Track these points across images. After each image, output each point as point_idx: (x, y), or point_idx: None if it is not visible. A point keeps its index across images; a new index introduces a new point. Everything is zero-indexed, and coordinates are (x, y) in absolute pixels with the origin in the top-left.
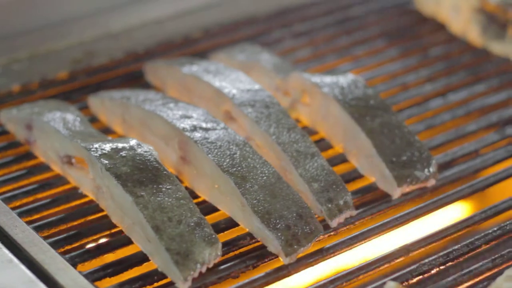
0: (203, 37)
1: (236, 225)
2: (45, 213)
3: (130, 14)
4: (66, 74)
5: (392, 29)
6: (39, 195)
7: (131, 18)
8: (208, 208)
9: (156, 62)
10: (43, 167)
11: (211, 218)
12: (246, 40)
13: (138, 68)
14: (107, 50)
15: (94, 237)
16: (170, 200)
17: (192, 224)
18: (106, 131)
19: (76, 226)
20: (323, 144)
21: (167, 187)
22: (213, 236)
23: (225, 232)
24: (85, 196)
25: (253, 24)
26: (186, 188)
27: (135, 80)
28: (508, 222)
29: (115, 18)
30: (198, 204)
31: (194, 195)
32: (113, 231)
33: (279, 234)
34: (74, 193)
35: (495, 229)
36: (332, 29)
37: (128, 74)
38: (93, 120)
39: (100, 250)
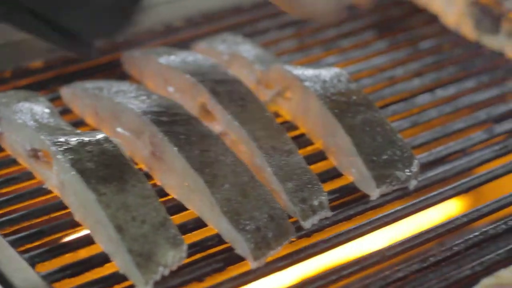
0: (185, 26)
1: (205, 225)
2: (8, 209)
3: None
4: (41, 63)
5: (382, 21)
6: (3, 190)
7: None
8: (177, 207)
9: (133, 51)
10: (10, 161)
11: (180, 217)
12: (230, 30)
13: (116, 58)
14: None
15: (57, 236)
16: (134, 198)
17: (157, 224)
18: (79, 124)
19: (39, 224)
20: (303, 140)
21: (133, 184)
22: (178, 237)
23: (194, 232)
24: (51, 192)
25: (238, 13)
26: (157, 185)
27: (113, 70)
28: (490, 227)
29: None
30: (167, 202)
31: (164, 193)
32: (76, 229)
33: (248, 236)
34: (40, 188)
35: (477, 233)
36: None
37: (106, 64)
38: (66, 111)
39: (62, 249)
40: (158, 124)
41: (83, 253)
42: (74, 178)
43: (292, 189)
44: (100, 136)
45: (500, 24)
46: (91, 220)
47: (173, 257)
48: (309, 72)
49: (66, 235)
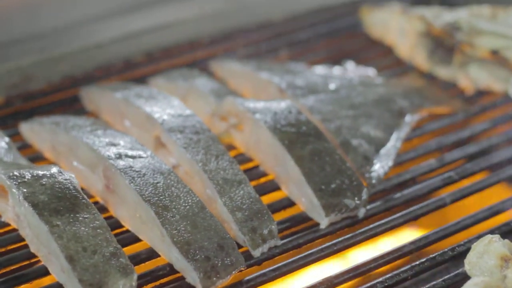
0: (144, 61)
1: (158, 255)
2: None
3: (70, 37)
4: (2, 99)
5: (339, 53)
6: None
7: (71, 41)
8: (131, 238)
9: (91, 87)
10: None
11: (133, 248)
12: (189, 64)
13: (75, 93)
14: (45, 74)
15: (12, 267)
16: (86, 229)
17: (108, 254)
18: (37, 158)
19: None
20: (256, 172)
21: (84, 216)
22: (129, 266)
23: (146, 262)
24: (8, 224)
25: (197, 48)
26: (111, 217)
27: (72, 105)
28: (437, 254)
29: (54, 42)
30: (121, 233)
31: (119, 225)
32: (32, 260)
33: (197, 265)
34: None
35: (423, 260)
36: (276, 54)
37: (65, 99)
38: (25, 147)
39: (16, 280)
40: (110, 157)
41: (38, 284)
42: (28, 211)
43: (242, 219)
44: (53, 169)
45: (452, 55)
46: (45, 251)
47: (123, 286)
48: (260, 104)
49: (22, 266)
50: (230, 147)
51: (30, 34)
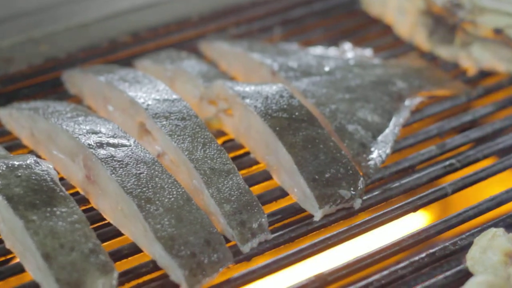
0: (131, 42)
1: (141, 251)
2: None
3: (53, 16)
4: None
5: (336, 32)
6: None
7: (53, 21)
8: (112, 232)
9: (73, 70)
10: None
11: (115, 243)
12: (177, 44)
13: (58, 76)
14: (25, 56)
15: None
16: (63, 224)
17: (86, 251)
18: (16, 146)
19: None
20: (247, 159)
21: (62, 210)
22: (109, 264)
23: (128, 258)
24: None
25: (186, 27)
26: (93, 209)
27: (54, 89)
28: (437, 248)
29: (36, 21)
30: (103, 227)
31: (101, 217)
32: (8, 257)
33: (182, 262)
34: None
35: (423, 256)
36: (270, 33)
37: (47, 83)
38: (3, 133)
39: None
40: (91, 146)
41: (14, 282)
42: (2, 204)
43: (230, 212)
44: (30, 160)
45: (454, 34)
46: (20, 248)
47: (103, 285)
48: (250, 88)
49: None
50: (220, 132)
51: (9, 13)
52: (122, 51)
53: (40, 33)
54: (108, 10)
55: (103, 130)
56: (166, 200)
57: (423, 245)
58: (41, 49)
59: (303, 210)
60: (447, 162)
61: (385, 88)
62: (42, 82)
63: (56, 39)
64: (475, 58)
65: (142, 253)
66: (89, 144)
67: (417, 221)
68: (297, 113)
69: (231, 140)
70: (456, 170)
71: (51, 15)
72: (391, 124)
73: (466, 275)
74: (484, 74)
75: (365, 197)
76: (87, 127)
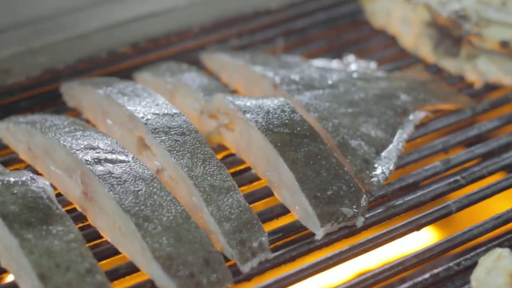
0: (130, 53)
1: (138, 270)
2: None
3: (51, 27)
4: None
5: (339, 43)
6: None
7: (52, 31)
8: (110, 250)
9: (72, 82)
10: None
11: (113, 261)
12: (178, 55)
13: (56, 88)
14: (23, 67)
15: None
16: (59, 243)
17: (82, 271)
18: (12, 160)
19: None
20: (247, 175)
21: (58, 228)
22: (105, 284)
23: (126, 278)
24: None
25: (187, 38)
26: (90, 227)
27: (52, 101)
28: (441, 269)
29: (34, 32)
30: (100, 245)
31: (97, 235)
32: (2, 276)
33: (180, 283)
34: None
35: (426, 277)
36: (272, 44)
37: (45, 95)
38: (0, 147)
39: None
40: (89, 162)
41: None
42: None
43: (230, 231)
44: (25, 176)
45: (459, 46)
46: (15, 266)
47: None
48: (251, 102)
49: None
50: (221, 147)
51: (7, 23)
52: (122, 62)
53: (38, 44)
54: (107, 20)
55: (101, 145)
56: (164, 218)
57: (426, 264)
58: (39, 60)
59: (305, 228)
60: (452, 179)
61: (389, 102)
62: (40, 94)
63: (54, 50)
64: (481, 71)
65: (140, 272)
66: (86, 160)
67: (421, 237)
68: (299, 128)
69: (232, 154)
70: (461, 187)
71: (50, 25)
72: (395, 139)
73: None
74: (490, 87)
75: (367, 215)
76: (85, 142)
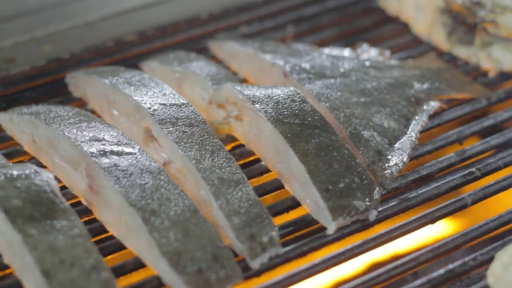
0: (137, 41)
1: (145, 266)
2: None
3: (56, 16)
4: None
5: (350, 31)
6: None
7: (57, 20)
8: (116, 245)
9: (77, 71)
10: None
11: (120, 256)
12: (186, 44)
13: (61, 77)
14: (28, 56)
15: None
16: (64, 238)
17: (88, 267)
18: (16, 153)
19: None
20: (257, 167)
21: (62, 223)
22: (111, 281)
23: (132, 273)
24: None
25: (195, 26)
26: (96, 221)
27: (58, 91)
28: (456, 265)
29: (39, 21)
30: (106, 240)
31: (103, 229)
32: (6, 272)
33: (188, 279)
34: None
35: (442, 272)
36: (282, 31)
37: (50, 84)
38: (3, 139)
39: None
40: (94, 154)
41: None
42: (0, 217)
43: (239, 225)
44: (29, 170)
45: (474, 34)
46: (19, 263)
47: None
48: (261, 92)
49: None
50: (229, 138)
51: (11, 12)
52: (129, 51)
53: (43, 33)
54: (113, 8)
55: (106, 137)
56: (172, 212)
57: (441, 259)
58: (44, 49)
59: (316, 222)
60: (467, 171)
61: (402, 91)
62: (45, 84)
63: (59, 38)
64: (495, 59)
65: (146, 268)
66: (91, 153)
67: (435, 231)
68: (309, 119)
69: (241, 145)
70: (476, 179)
71: (54, 13)
72: (409, 130)
73: None
74: (506, 76)
75: (380, 208)
76: (90, 134)
